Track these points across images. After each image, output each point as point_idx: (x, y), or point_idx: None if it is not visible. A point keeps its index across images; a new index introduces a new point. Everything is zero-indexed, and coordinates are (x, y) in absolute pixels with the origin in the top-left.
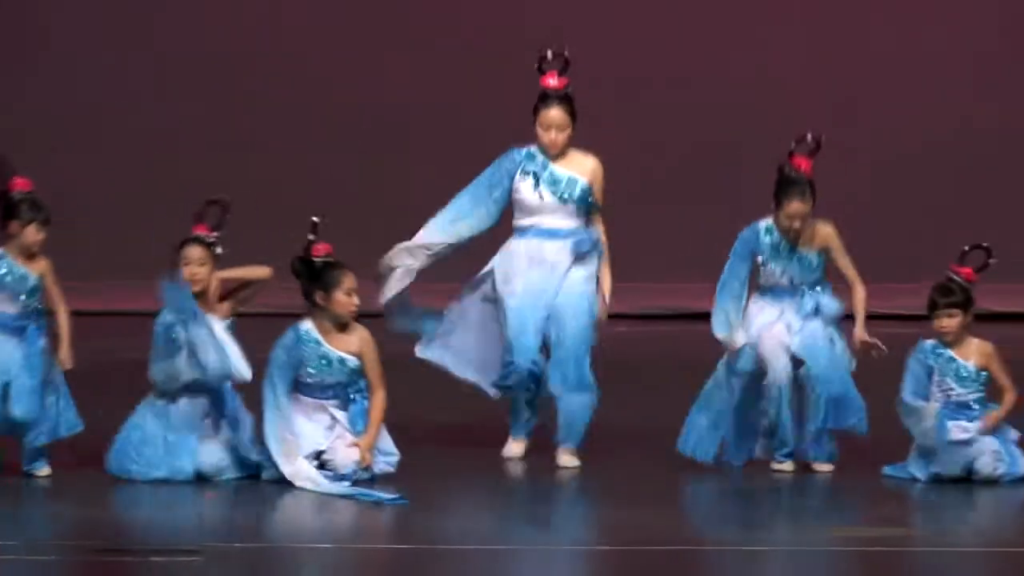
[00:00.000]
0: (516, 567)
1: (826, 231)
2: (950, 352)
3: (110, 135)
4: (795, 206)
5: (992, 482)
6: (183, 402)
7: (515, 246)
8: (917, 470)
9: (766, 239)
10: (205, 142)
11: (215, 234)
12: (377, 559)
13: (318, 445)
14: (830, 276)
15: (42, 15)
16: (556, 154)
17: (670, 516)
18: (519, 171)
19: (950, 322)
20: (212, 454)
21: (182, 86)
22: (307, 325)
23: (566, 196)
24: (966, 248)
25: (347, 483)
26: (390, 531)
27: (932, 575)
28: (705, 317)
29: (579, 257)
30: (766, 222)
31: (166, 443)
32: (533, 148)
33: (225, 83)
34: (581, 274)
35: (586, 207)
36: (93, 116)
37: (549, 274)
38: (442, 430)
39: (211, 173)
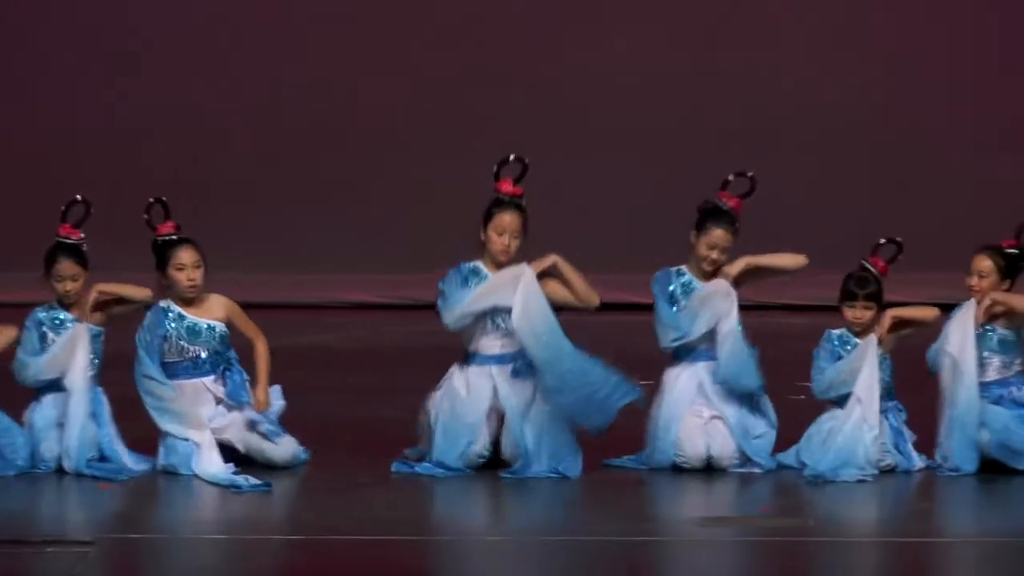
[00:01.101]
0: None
1: None
2: (857, 341)
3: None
4: (719, 234)
5: (887, 472)
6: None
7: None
8: (808, 459)
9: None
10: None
11: (79, 236)
12: (268, 549)
13: (211, 425)
14: None
15: None
16: (506, 261)
17: (570, 509)
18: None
19: (865, 313)
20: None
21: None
22: (167, 302)
23: None
24: (880, 241)
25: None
26: (283, 521)
27: (829, 565)
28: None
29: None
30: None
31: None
32: (479, 263)
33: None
34: None
35: None
36: None
37: None
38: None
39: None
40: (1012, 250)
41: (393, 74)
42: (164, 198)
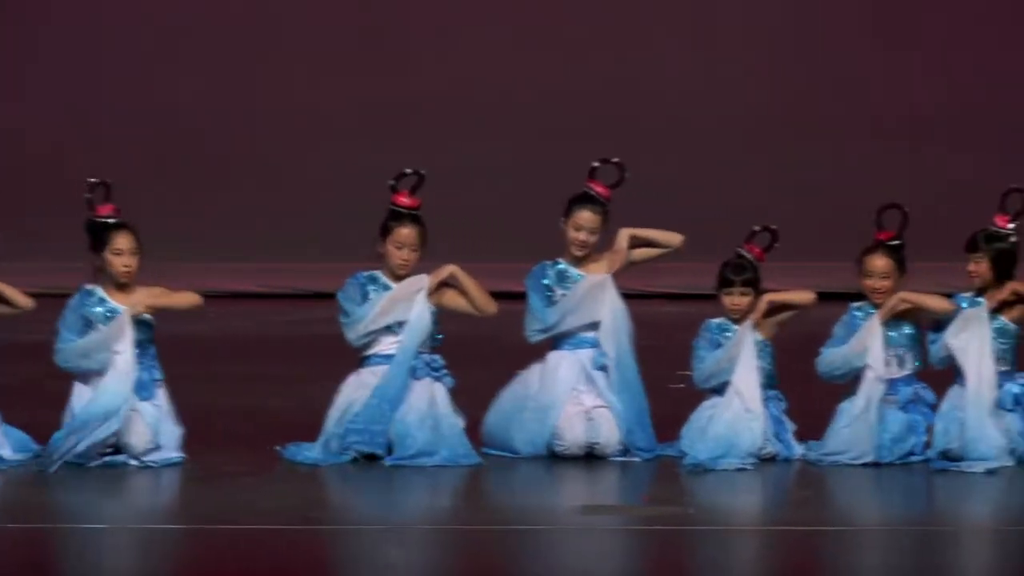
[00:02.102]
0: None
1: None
2: (736, 329)
3: None
4: (585, 215)
5: (767, 461)
6: None
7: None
8: (688, 447)
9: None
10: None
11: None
12: (156, 539)
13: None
14: None
15: None
16: (405, 274)
17: (452, 498)
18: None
19: (742, 299)
20: None
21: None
22: (93, 286)
23: None
24: (755, 228)
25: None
26: (169, 512)
27: (710, 553)
28: None
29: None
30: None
31: None
32: (375, 272)
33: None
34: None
35: None
36: None
37: None
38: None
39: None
40: (895, 242)
41: (285, 60)
42: (108, 180)
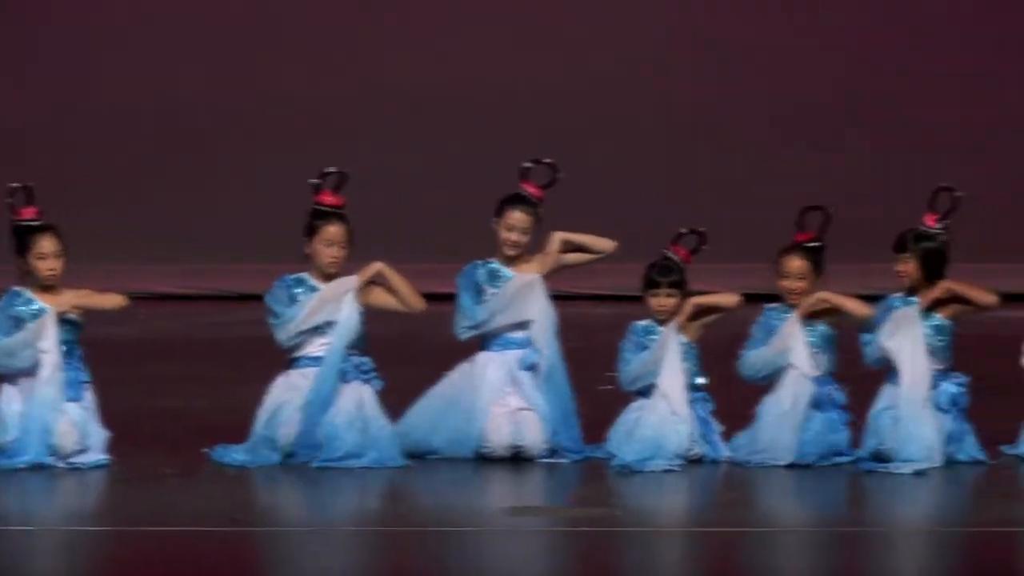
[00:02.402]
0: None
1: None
2: (662, 331)
3: None
4: (516, 216)
5: (695, 462)
6: None
7: None
8: (616, 449)
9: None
10: None
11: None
12: (84, 540)
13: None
14: None
15: None
16: (335, 273)
17: (380, 499)
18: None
19: (668, 301)
20: None
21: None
22: (20, 288)
23: None
24: (682, 231)
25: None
26: (95, 513)
27: (637, 555)
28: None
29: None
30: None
31: None
32: (302, 274)
33: None
34: None
35: None
36: None
37: None
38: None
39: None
40: (815, 244)
41: (210, 60)
42: (30, 184)
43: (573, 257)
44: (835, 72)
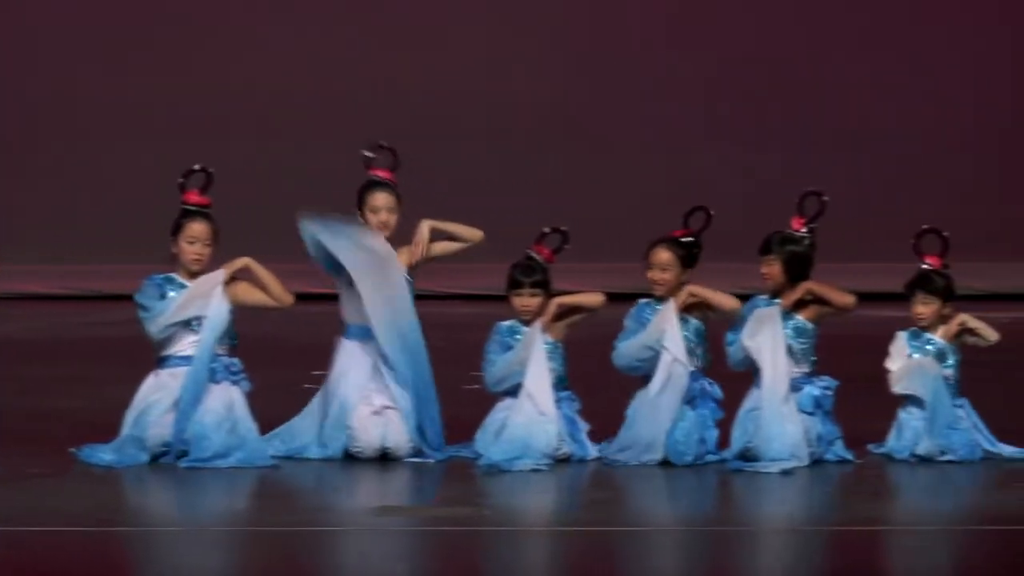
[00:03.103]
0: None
1: None
2: (527, 330)
3: None
4: (380, 196)
5: (562, 461)
6: None
7: None
8: (483, 448)
9: None
10: None
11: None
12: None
13: None
14: None
15: None
16: (200, 270)
17: (248, 499)
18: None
19: (531, 301)
20: None
21: None
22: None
23: None
24: (545, 230)
25: None
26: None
27: (504, 554)
28: None
29: None
30: None
31: None
32: (171, 273)
33: None
34: None
35: None
36: None
37: None
38: None
39: None
40: (687, 239)
41: (74, 60)
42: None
43: (442, 247)
44: (706, 74)
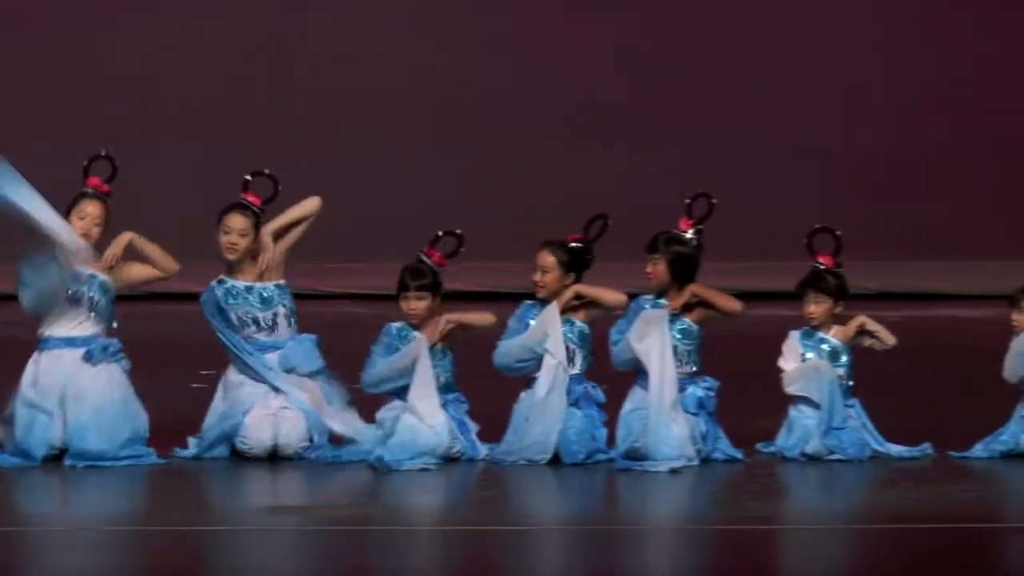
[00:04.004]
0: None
1: None
2: (416, 335)
3: None
4: (233, 219)
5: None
6: None
7: None
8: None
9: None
10: None
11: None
12: None
13: None
14: None
15: None
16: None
17: (148, 500)
18: None
19: (418, 304)
20: None
21: None
22: None
23: None
24: (439, 234)
25: None
26: None
27: (396, 553)
28: None
29: None
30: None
31: None
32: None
33: None
34: None
35: None
36: None
37: None
38: None
39: None
40: (576, 244)
41: None
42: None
43: (290, 237)
44: (603, 72)
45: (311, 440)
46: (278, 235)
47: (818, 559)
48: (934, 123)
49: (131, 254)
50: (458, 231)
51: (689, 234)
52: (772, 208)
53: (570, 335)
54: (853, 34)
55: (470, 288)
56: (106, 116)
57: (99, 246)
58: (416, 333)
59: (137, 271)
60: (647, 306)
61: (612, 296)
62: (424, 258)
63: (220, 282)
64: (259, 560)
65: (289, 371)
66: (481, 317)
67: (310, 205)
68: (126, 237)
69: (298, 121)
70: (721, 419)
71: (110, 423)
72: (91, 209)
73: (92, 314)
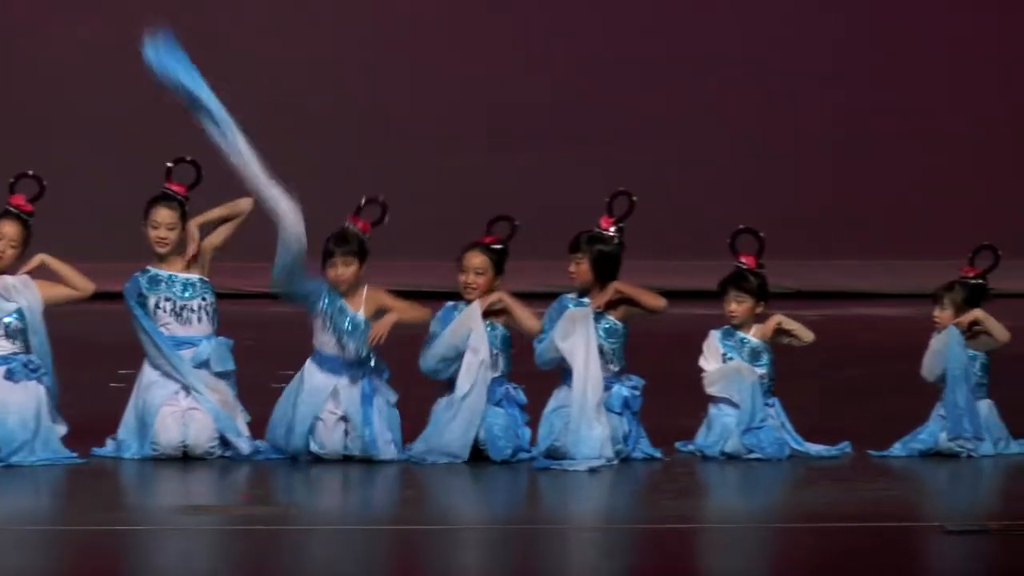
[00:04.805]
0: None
1: None
2: (343, 305)
3: None
4: (163, 213)
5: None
6: None
7: None
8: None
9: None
10: None
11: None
12: None
13: None
14: None
15: None
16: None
17: (63, 499)
18: None
19: (346, 270)
20: None
21: None
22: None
23: None
24: (362, 202)
25: None
26: None
27: (309, 552)
28: None
29: None
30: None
31: None
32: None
33: None
34: None
35: None
36: None
37: None
38: None
39: None
40: (497, 246)
41: None
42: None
43: (219, 234)
44: (513, 74)
45: (221, 441)
46: (205, 230)
47: (737, 558)
48: (849, 121)
49: (44, 274)
50: (381, 198)
51: (611, 232)
52: (693, 207)
53: (492, 338)
54: (770, 33)
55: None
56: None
57: (13, 269)
58: (344, 304)
59: (53, 292)
60: (569, 305)
61: (530, 322)
62: (349, 225)
63: (144, 271)
64: (173, 560)
65: (200, 366)
66: (416, 312)
67: (242, 205)
68: (38, 259)
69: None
70: (642, 417)
71: (31, 433)
72: (8, 230)
73: (9, 338)
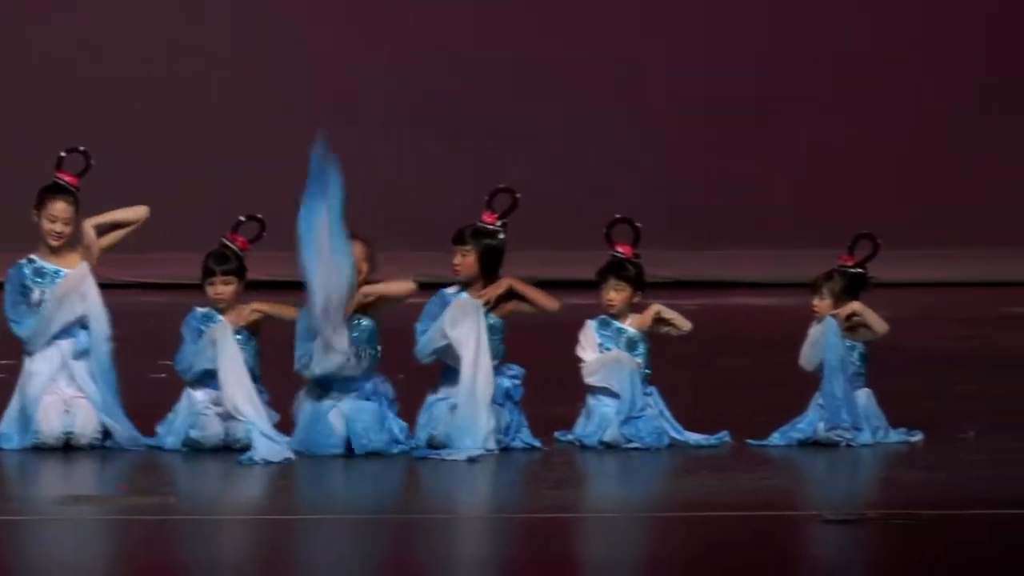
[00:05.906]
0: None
1: None
2: (221, 319)
3: None
4: (59, 206)
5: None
6: None
7: None
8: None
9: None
10: None
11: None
12: None
13: None
14: None
15: None
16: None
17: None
18: None
19: (225, 289)
20: None
21: None
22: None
23: None
24: (241, 219)
25: None
26: None
27: (191, 542)
28: None
29: None
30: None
31: None
32: None
33: None
34: None
35: None
36: None
37: None
38: None
39: None
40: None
41: None
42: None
43: (112, 237)
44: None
45: (105, 430)
46: (99, 230)
47: (616, 547)
48: (727, 114)
49: None
50: (259, 215)
51: (496, 226)
52: (568, 197)
53: (356, 332)
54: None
55: (263, 278)
56: None
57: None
58: (222, 318)
59: None
60: (450, 299)
61: (398, 287)
62: (228, 243)
63: (30, 261)
64: (53, 551)
65: (79, 357)
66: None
67: (138, 212)
68: None
69: (107, 120)
70: (522, 407)
71: None
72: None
73: None
